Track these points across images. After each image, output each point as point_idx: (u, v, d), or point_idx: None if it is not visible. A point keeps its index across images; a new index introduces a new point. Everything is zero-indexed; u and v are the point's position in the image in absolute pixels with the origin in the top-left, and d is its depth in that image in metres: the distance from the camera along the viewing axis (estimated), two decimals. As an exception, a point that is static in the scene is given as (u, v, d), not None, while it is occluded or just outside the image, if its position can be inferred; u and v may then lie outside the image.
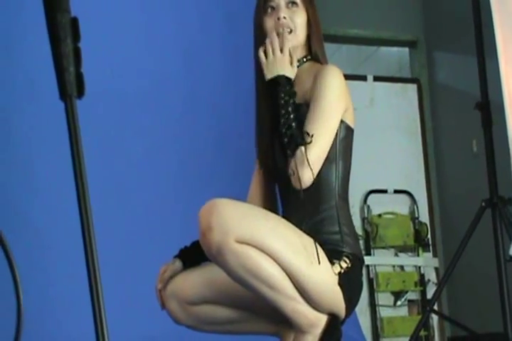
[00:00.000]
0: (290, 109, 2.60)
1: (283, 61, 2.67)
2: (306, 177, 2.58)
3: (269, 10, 2.79)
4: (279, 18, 2.76)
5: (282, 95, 2.62)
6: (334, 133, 2.68)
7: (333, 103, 2.68)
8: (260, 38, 2.80)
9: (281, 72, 2.65)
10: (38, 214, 4.39)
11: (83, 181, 1.36)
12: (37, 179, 4.44)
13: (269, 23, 2.78)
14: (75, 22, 1.48)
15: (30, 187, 4.45)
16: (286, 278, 2.48)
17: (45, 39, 1.49)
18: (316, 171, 2.60)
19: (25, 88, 4.40)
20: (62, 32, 1.44)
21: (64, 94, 1.45)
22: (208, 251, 2.42)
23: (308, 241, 2.57)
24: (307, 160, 2.56)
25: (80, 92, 1.47)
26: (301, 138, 2.57)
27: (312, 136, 2.57)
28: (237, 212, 2.44)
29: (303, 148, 2.56)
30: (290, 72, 2.67)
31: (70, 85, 1.44)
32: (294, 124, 2.57)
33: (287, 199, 2.80)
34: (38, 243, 4.25)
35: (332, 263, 2.58)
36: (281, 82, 2.64)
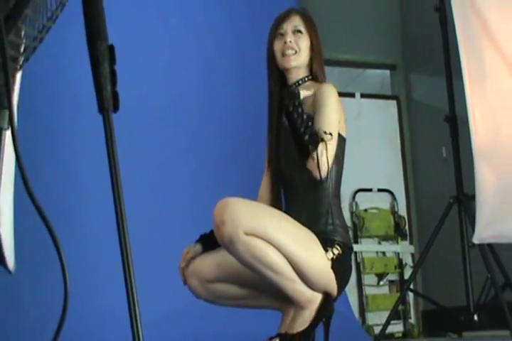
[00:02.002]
0: (300, 109, 2.54)
1: None
2: (327, 168, 2.56)
3: (279, 36, 2.83)
4: (285, 42, 2.80)
5: (292, 102, 2.57)
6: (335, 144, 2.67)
7: (334, 112, 2.68)
8: (271, 56, 2.85)
9: None
10: (81, 207, 4.42)
11: (118, 179, 1.38)
12: (80, 179, 4.46)
13: (278, 45, 2.82)
14: (111, 49, 1.49)
15: (74, 186, 4.47)
16: (287, 263, 2.50)
17: (88, 62, 1.50)
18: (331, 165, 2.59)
19: (72, 104, 4.42)
20: (101, 57, 1.45)
21: (102, 109, 1.46)
22: (221, 241, 2.45)
23: (306, 232, 2.58)
24: (327, 154, 2.55)
25: (116, 107, 1.48)
26: (319, 135, 2.55)
27: (331, 133, 2.57)
28: (246, 208, 2.46)
29: (321, 145, 2.55)
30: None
31: (107, 101, 1.45)
32: (310, 123, 2.54)
33: (289, 197, 2.80)
34: (79, 229, 4.28)
35: (326, 250, 2.59)
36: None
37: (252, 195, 2.86)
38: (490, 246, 3.95)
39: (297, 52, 2.79)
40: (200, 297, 2.80)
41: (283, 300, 2.64)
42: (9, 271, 2.90)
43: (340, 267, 2.62)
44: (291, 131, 2.59)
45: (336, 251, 2.60)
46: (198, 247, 2.75)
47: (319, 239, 2.60)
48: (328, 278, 2.59)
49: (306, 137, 2.53)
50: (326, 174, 2.57)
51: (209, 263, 2.67)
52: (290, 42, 2.79)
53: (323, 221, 2.67)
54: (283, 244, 2.47)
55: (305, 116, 2.54)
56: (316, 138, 2.55)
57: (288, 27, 2.82)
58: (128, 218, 1.45)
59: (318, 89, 2.74)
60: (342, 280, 2.66)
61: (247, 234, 2.41)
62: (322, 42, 2.90)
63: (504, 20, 3.91)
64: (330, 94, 2.71)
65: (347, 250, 2.66)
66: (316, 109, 2.69)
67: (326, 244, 2.60)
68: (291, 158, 2.73)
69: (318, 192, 2.71)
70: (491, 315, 3.96)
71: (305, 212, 2.70)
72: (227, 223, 2.40)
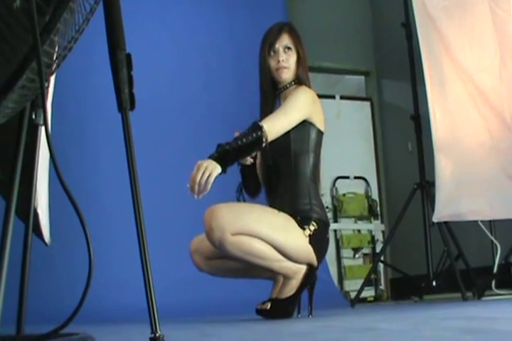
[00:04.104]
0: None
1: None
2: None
3: (272, 53, 2.84)
4: (278, 61, 2.82)
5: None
6: (291, 123, 2.69)
7: (295, 105, 2.70)
8: (264, 70, 2.86)
9: None
10: (103, 191, 4.42)
11: (134, 165, 1.39)
12: (103, 166, 4.46)
13: (272, 62, 2.84)
14: (129, 57, 1.50)
15: (98, 173, 4.48)
16: (271, 248, 2.53)
17: (109, 68, 1.51)
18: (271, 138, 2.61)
19: (96, 103, 4.42)
20: (120, 64, 1.46)
21: (121, 108, 1.47)
22: (213, 244, 2.48)
23: (283, 217, 2.61)
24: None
25: (132, 107, 1.48)
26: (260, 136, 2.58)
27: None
28: (228, 213, 2.46)
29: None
30: None
31: (125, 102, 1.46)
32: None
33: (274, 181, 2.81)
34: (102, 209, 4.28)
35: (303, 229, 2.61)
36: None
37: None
38: (446, 224, 3.97)
39: (288, 68, 2.83)
40: (202, 271, 2.81)
41: (273, 271, 2.66)
42: (46, 244, 2.91)
43: (318, 241, 2.65)
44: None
45: (312, 228, 2.62)
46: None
47: (298, 217, 2.63)
48: (308, 252, 2.62)
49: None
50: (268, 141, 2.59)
51: (208, 244, 2.60)
52: (283, 60, 2.82)
53: (302, 201, 2.69)
54: (265, 234, 2.51)
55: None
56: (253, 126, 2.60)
57: (279, 46, 2.84)
58: (142, 199, 1.45)
59: (294, 90, 2.80)
60: (321, 252, 2.69)
61: (233, 234, 2.44)
62: (308, 52, 2.91)
63: (459, 36, 3.92)
64: (298, 93, 2.75)
65: (323, 225, 2.68)
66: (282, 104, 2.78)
67: (304, 222, 2.63)
68: (277, 148, 2.74)
69: (297, 177, 2.73)
70: (447, 281, 3.98)
71: (286, 194, 2.72)
72: (215, 230, 2.43)
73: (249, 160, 2.79)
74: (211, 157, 2.48)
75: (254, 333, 1.82)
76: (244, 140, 2.54)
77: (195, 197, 2.45)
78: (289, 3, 5.68)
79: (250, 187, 2.87)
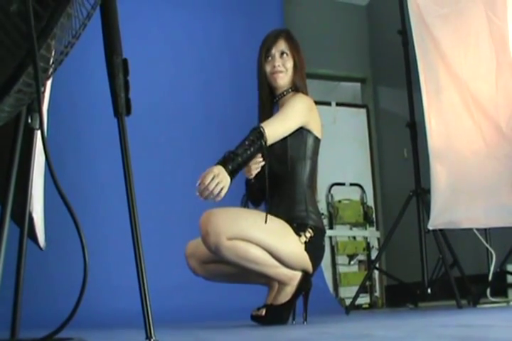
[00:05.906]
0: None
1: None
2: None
3: (268, 58, 2.85)
4: (274, 66, 2.82)
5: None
6: (287, 131, 2.70)
7: (291, 112, 2.71)
8: (261, 76, 2.88)
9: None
10: (99, 195, 4.42)
11: (129, 170, 1.39)
12: (98, 170, 4.45)
13: (267, 68, 2.85)
14: (125, 62, 1.50)
15: (93, 177, 4.47)
16: (267, 254, 2.52)
17: (105, 73, 1.51)
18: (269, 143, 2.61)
19: (92, 108, 4.41)
20: (116, 69, 1.46)
21: (117, 113, 1.47)
22: (209, 249, 2.47)
23: (279, 223, 2.60)
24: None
25: (128, 112, 1.48)
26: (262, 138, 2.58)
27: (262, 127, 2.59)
28: (224, 218, 2.46)
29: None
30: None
31: (121, 107, 1.46)
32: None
33: (271, 188, 2.78)
34: (97, 214, 4.28)
35: (299, 236, 2.61)
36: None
37: (243, 190, 2.88)
38: (442, 231, 3.97)
39: (283, 72, 2.83)
40: (197, 274, 2.80)
41: (268, 277, 2.65)
42: (41, 248, 2.90)
43: (313, 248, 2.65)
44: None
45: (308, 235, 2.62)
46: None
47: (294, 224, 2.63)
48: (303, 259, 2.62)
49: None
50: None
51: (204, 248, 2.57)
52: (279, 66, 2.83)
53: (298, 208, 2.69)
54: (260, 239, 2.50)
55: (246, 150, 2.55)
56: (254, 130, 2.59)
57: (276, 52, 2.85)
58: (137, 204, 1.45)
59: (291, 97, 2.80)
60: (316, 259, 2.68)
61: (229, 239, 2.44)
62: (304, 58, 2.91)
63: (454, 44, 3.93)
64: (295, 100, 2.76)
65: (319, 232, 2.68)
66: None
67: (300, 228, 2.63)
68: (274, 155, 2.74)
69: (294, 183, 2.73)
70: (442, 288, 3.98)
71: (283, 200, 2.72)
72: (211, 234, 2.42)
73: (254, 171, 2.78)
74: (225, 167, 2.46)
75: (249, 339, 1.81)
76: (252, 149, 2.55)
77: (201, 198, 2.45)
78: (285, 9, 5.69)
79: (255, 198, 2.86)
